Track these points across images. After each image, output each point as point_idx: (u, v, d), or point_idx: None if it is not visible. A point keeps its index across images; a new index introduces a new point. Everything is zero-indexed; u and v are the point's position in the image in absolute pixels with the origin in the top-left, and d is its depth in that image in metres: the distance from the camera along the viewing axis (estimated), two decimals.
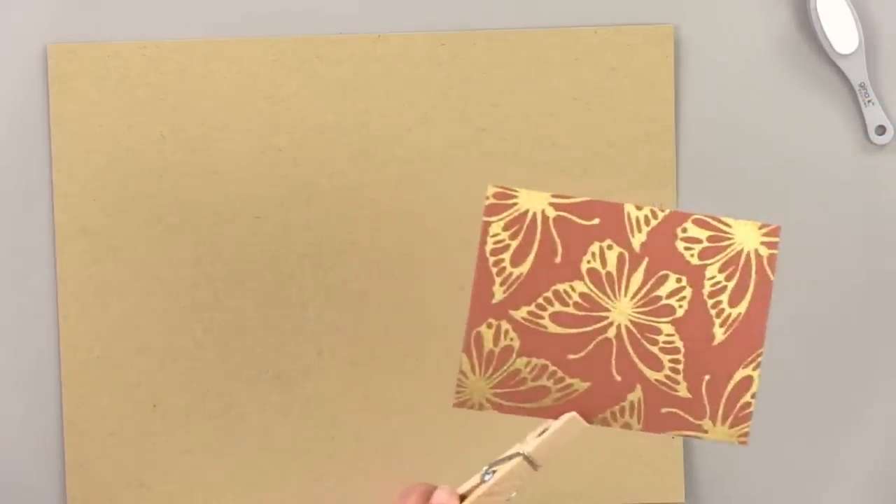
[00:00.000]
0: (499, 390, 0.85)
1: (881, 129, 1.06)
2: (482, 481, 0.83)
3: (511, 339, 0.85)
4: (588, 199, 0.85)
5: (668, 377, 0.85)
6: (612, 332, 0.85)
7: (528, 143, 1.04)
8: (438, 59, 1.04)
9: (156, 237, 1.04)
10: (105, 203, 1.04)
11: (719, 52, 1.05)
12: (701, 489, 1.07)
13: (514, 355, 0.85)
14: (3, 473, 1.05)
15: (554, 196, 0.85)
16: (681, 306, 0.85)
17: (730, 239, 0.86)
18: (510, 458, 0.83)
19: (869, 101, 1.05)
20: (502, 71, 1.04)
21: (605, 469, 1.06)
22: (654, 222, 0.85)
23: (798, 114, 1.06)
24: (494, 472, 0.83)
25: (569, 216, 0.85)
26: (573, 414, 0.85)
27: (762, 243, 0.86)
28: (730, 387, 0.85)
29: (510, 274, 0.85)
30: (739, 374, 0.85)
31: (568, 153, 1.05)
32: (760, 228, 0.86)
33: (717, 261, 0.85)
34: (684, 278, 0.85)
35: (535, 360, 0.85)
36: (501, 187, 0.85)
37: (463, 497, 0.83)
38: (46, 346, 1.05)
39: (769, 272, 0.86)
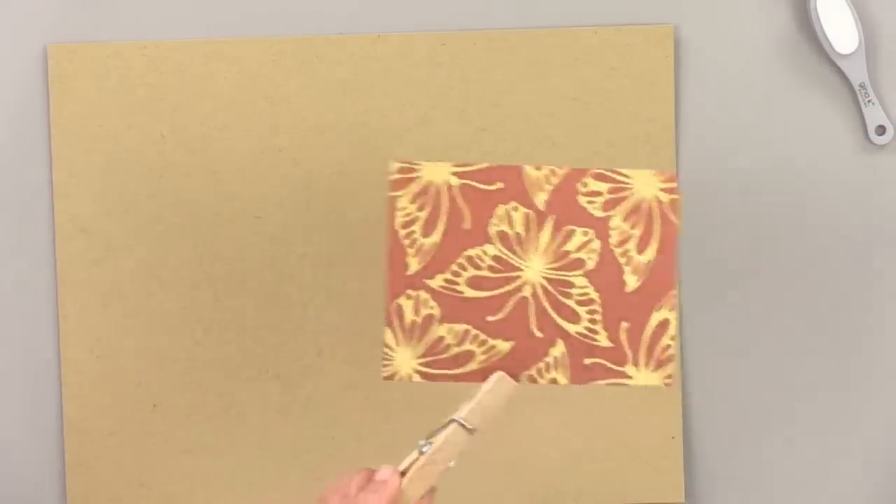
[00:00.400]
0: (424, 359, 0.88)
1: (881, 129, 1.06)
2: (420, 454, 0.85)
3: (431, 308, 0.87)
4: (488, 164, 0.88)
5: (587, 328, 0.87)
6: (527, 291, 0.87)
7: (528, 143, 1.04)
8: (438, 59, 1.04)
9: (156, 237, 1.04)
10: (105, 203, 1.04)
11: (719, 52, 1.05)
12: (701, 489, 1.07)
13: (436, 323, 0.87)
14: (3, 473, 1.05)
15: (455, 165, 0.88)
16: (590, 258, 0.87)
17: (629, 188, 0.88)
18: (445, 426, 0.85)
19: (869, 101, 1.05)
20: (502, 71, 1.04)
21: (605, 469, 1.06)
22: (554, 181, 0.88)
23: (798, 114, 1.06)
24: (431, 443, 0.85)
25: (472, 183, 0.88)
26: (500, 373, 0.87)
27: (662, 190, 0.88)
28: (648, 331, 0.87)
29: (422, 245, 0.88)
30: (656, 318, 0.87)
31: (568, 153, 1.05)
32: (657, 176, 0.88)
33: (620, 211, 0.88)
34: (591, 231, 0.88)
35: (456, 326, 0.87)
36: (404, 161, 0.88)
37: (405, 473, 0.85)
38: (46, 346, 1.05)
39: (672, 217, 0.88)
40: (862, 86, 1.05)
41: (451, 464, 0.85)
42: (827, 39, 1.04)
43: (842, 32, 1.04)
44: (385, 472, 0.85)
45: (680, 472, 1.06)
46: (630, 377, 0.88)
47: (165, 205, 1.04)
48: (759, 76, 1.05)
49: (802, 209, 1.06)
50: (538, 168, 0.88)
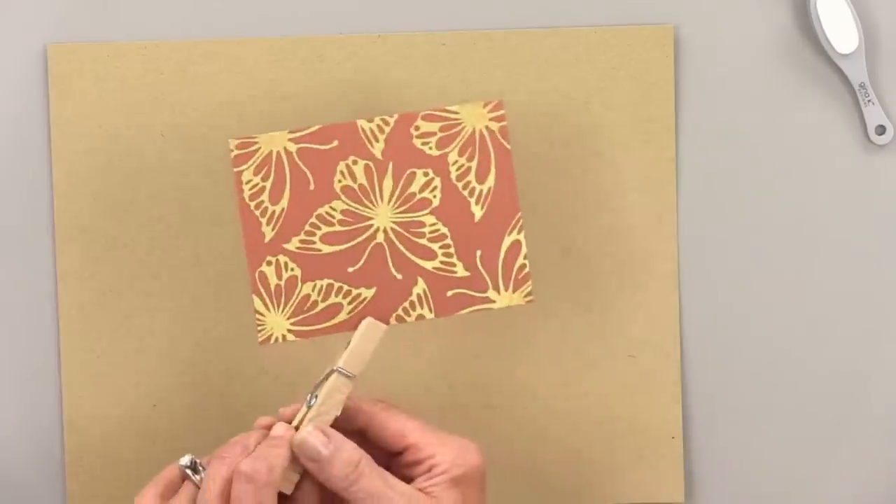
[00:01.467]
0: (295, 319, 0.91)
1: (881, 129, 1.06)
2: (308, 407, 0.89)
3: (292, 270, 0.91)
4: (321, 125, 0.91)
5: (443, 263, 0.91)
6: (380, 237, 0.91)
7: (528, 143, 1.04)
8: (438, 59, 1.04)
9: (156, 237, 1.04)
10: (105, 203, 1.04)
11: (719, 52, 1.05)
12: (701, 489, 1.07)
13: (299, 283, 0.91)
14: (3, 473, 1.05)
15: (290, 132, 0.91)
16: (435, 196, 0.91)
17: (460, 123, 0.92)
18: (325, 378, 0.89)
19: (869, 101, 1.05)
20: (502, 71, 1.04)
21: (605, 469, 1.06)
22: (387, 129, 0.92)
23: (798, 114, 1.06)
24: (317, 396, 0.89)
25: (309, 145, 0.91)
26: (368, 319, 0.91)
27: (490, 119, 0.92)
28: (501, 255, 0.92)
29: (273, 212, 0.91)
30: (507, 241, 0.92)
31: (568, 153, 1.05)
32: (485, 106, 0.92)
33: (455, 146, 0.91)
34: (430, 170, 0.91)
35: (319, 282, 0.91)
36: (241, 138, 0.91)
37: (297, 428, 0.89)
38: (46, 346, 1.05)
39: (504, 143, 0.92)
40: (862, 86, 1.05)
41: (337, 413, 0.89)
42: (827, 39, 1.04)
43: (842, 32, 1.04)
44: (280, 429, 0.88)
45: (680, 472, 1.06)
46: (493, 301, 0.92)
47: (165, 205, 1.04)
48: (759, 76, 1.05)
49: (802, 209, 1.06)
50: (370, 120, 0.92)
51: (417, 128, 0.92)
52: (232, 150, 0.91)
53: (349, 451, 0.87)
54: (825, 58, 1.05)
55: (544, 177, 1.04)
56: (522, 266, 0.92)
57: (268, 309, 0.91)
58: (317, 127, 0.91)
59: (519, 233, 0.92)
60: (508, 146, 0.92)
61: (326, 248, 0.91)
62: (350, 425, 0.90)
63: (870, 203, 1.06)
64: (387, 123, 0.92)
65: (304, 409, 0.89)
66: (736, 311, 1.06)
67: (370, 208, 0.91)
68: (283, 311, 0.91)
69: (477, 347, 1.04)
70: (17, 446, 1.05)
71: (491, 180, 0.92)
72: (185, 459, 0.88)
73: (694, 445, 1.07)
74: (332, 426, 0.89)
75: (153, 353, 1.04)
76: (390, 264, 0.91)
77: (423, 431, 0.90)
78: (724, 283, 1.06)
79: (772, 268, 1.06)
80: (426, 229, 0.92)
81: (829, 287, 1.06)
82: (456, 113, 0.92)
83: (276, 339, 0.91)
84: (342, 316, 0.91)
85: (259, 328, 0.91)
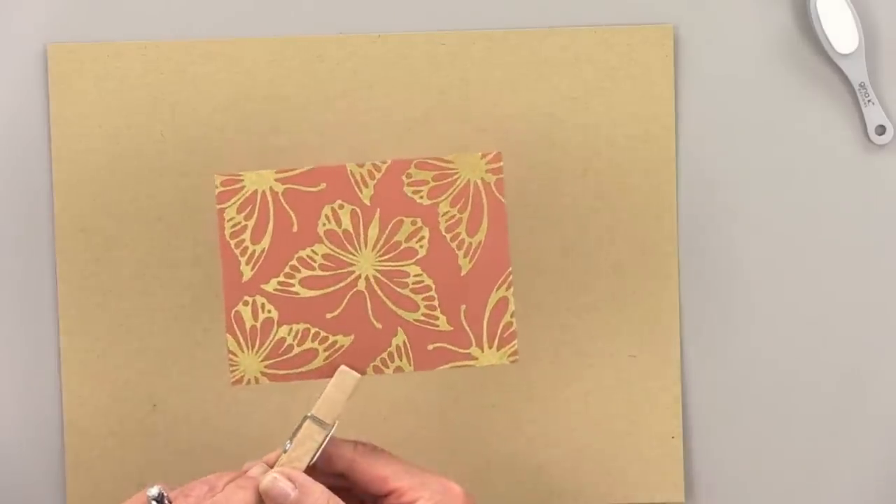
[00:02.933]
0: (269, 361, 0.90)
1: (881, 129, 1.06)
2: (284, 453, 0.88)
3: (269, 312, 0.89)
4: (311, 167, 0.89)
5: (425, 315, 0.89)
6: (362, 285, 0.89)
7: (528, 143, 1.04)
8: (438, 59, 1.04)
9: (156, 237, 1.04)
10: (105, 203, 1.04)
11: (719, 52, 1.05)
12: (701, 489, 1.07)
13: (275, 325, 0.89)
14: (2, 473, 1.05)
15: (278, 172, 0.89)
16: (421, 246, 0.89)
17: (455, 173, 0.89)
18: (300, 425, 0.88)
19: (869, 101, 1.05)
20: (502, 71, 1.04)
21: (605, 469, 1.06)
22: (378, 175, 0.89)
23: (798, 114, 1.06)
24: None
25: (296, 187, 0.89)
26: (342, 368, 0.89)
27: (487, 171, 0.89)
28: (488, 311, 0.89)
29: (253, 252, 0.89)
30: (494, 297, 0.89)
31: (568, 153, 1.05)
32: (483, 157, 0.89)
33: (447, 196, 0.89)
34: (419, 220, 0.89)
35: (296, 326, 0.89)
36: (227, 174, 0.89)
37: None
38: (46, 346, 1.05)
39: (499, 196, 0.89)
40: (862, 86, 1.05)
41: (309, 459, 0.88)
42: (827, 39, 1.04)
43: (842, 32, 1.04)
44: (256, 469, 0.88)
45: (680, 472, 1.06)
46: (476, 358, 0.90)
47: (165, 205, 1.04)
48: (759, 76, 1.05)
49: (802, 209, 1.06)
50: (361, 165, 0.90)
51: (410, 175, 0.89)
52: (217, 187, 0.90)
53: (318, 493, 0.86)
54: (825, 58, 1.05)
55: (544, 177, 1.04)
56: (509, 324, 0.89)
57: (241, 349, 0.90)
58: (306, 168, 0.89)
59: (508, 289, 0.89)
60: (503, 200, 0.89)
61: (305, 292, 0.89)
62: (331, 470, 0.89)
63: (870, 203, 1.06)
64: (378, 169, 0.89)
65: (282, 454, 0.88)
66: (736, 311, 1.06)
67: (353, 254, 0.89)
68: (257, 352, 0.90)
69: None
70: (17, 446, 1.05)
71: (482, 234, 0.89)
72: (154, 491, 0.87)
73: (694, 445, 1.07)
74: (311, 472, 0.87)
75: (153, 353, 1.04)
76: (370, 313, 0.89)
77: (405, 475, 0.89)
78: (724, 284, 1.06)
79: (772, 268, 1.06)
80: (410, 279, 0.89)
81: (829, 287, 1.06)
82: (451, 162, 0.89)
83: (248, 381, 0.90)
84: (317, 362, 0.90)
85: (232, 368, 0.90)
